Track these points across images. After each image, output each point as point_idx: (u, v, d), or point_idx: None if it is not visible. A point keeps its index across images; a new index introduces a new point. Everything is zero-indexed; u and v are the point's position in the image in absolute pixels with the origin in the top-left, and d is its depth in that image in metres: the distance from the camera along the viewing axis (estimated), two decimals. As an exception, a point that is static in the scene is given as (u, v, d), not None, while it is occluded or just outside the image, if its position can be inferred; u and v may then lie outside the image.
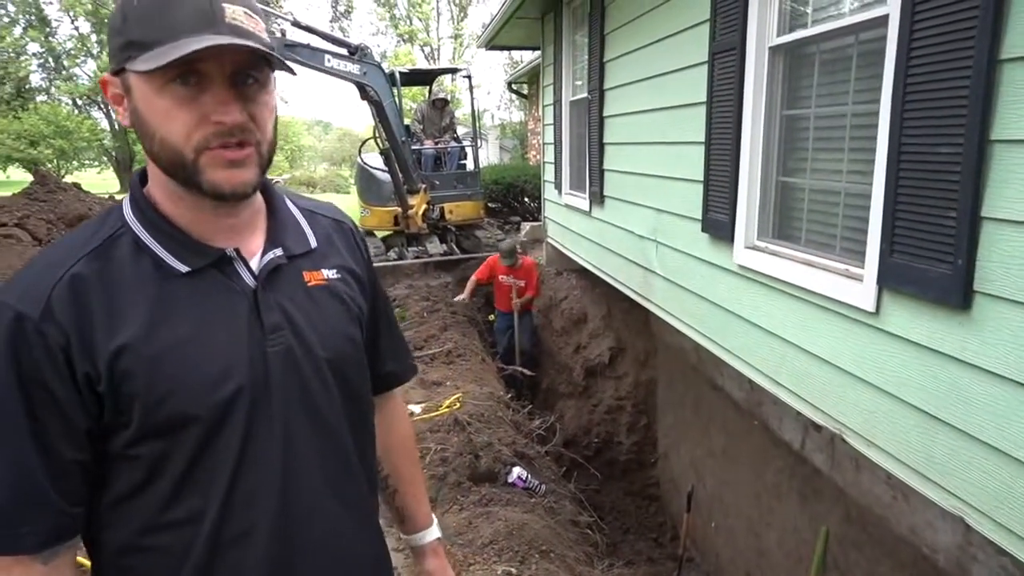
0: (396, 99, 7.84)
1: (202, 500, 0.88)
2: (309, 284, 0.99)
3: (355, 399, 1.03)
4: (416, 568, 1.27)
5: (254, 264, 0.95)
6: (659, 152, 3.89)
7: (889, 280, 2.04)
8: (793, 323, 2.62)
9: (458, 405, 4.25)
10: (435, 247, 8.61)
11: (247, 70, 0.86)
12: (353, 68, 7.09)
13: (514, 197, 11.51)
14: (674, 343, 4.63)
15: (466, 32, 30.53)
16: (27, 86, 25.69)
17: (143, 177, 0.94)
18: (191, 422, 0.86)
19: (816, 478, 2.96)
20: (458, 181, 9.05)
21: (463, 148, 9.63)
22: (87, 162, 25.22)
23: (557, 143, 6.34)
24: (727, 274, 3.11)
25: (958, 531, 2.06)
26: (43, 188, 8.28)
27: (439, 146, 9.30)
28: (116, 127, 25.14)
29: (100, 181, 23.32)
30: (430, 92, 10.21)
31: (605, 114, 4.85)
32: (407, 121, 8.93)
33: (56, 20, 25.33)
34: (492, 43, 8.43)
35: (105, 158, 25.84)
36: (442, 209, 8.72)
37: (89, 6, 23.42)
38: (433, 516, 1.29)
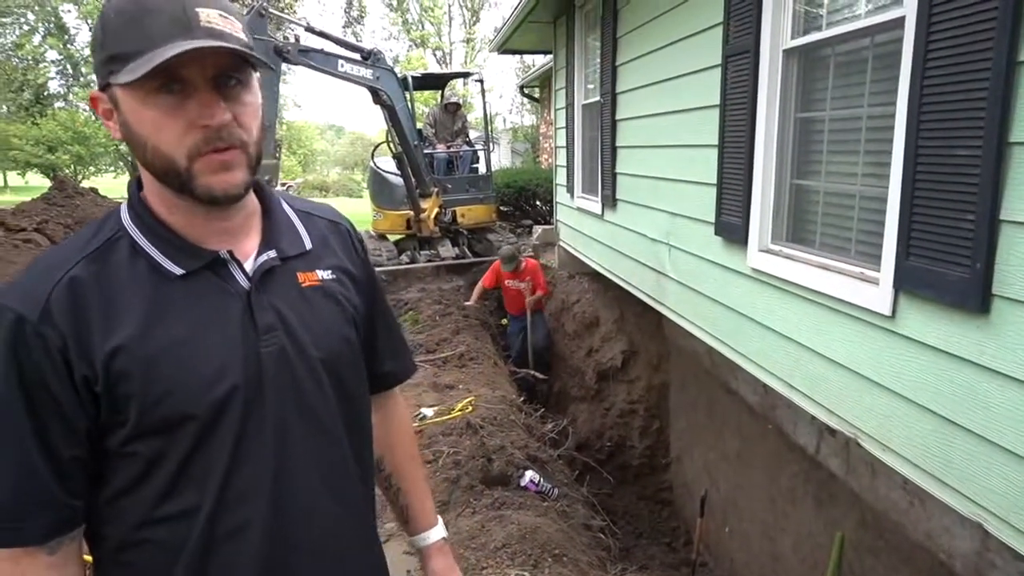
0: (409, 103, 7.88)
1: (197, 496, 0.90)
2: (303, 285, 1.00)
3: (350, 399, 1.04)
4: (422, 569, 1.27)
5: (248, 266, 0.96)
6: (672, 155, 3.88)
7: (906, 284, 2.02)
8: (808, 327, 2.60)
9: (470, 408, 4.26)
10: (447, 250, 8.63)
11: (229, 72, 0.87)
12: (366, 72, 7.14)
13: (526, 201, 11.51)
14: (687, 347, 4.62)
15: (478, 36, 30.65)
16: (45, 93, 26.09)
17: (140, 183, 0.96)
18: (186, 421, 0.88)
19: (831, 483, 2.94)
20: (470, 185, 9.07)
21: (475, 152, 9.65)
22: (104, 167, 25.52)
23: (569, 147, 6.35)
24: (741, 277, 3.10)
25: (976, 537, 2.03)
26: (61, 193, 8.40)
27: (451, 150, 9.32)
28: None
29: (117, 186, 23.59)
30: (442, 96, 10.25)
31: (617, 117, 4.85)
32: (419, 125, 8.96)
33: (74, 28, 25.71)
34: (504, 47, 8.46)
35: (121, 163, 26.15)
36: (454, 213, 8.74)
37: (106, 13, 23.67)
38: (438, 516, 1.30)
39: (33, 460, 0.85)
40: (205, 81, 0.85)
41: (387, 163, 8.62)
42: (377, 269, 8.34)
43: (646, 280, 4.44)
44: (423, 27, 30.93)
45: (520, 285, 6.62)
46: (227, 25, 0.86)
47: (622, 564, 3.62)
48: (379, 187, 8.91)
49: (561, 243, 7.15)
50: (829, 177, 2.61)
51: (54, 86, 27.08)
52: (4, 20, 23.54)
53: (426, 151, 8.62)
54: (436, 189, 8.29)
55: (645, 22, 4.14)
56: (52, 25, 25.31)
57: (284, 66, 6.71)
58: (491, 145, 10.12)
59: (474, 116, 16.91)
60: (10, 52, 25.16)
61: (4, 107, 25.90)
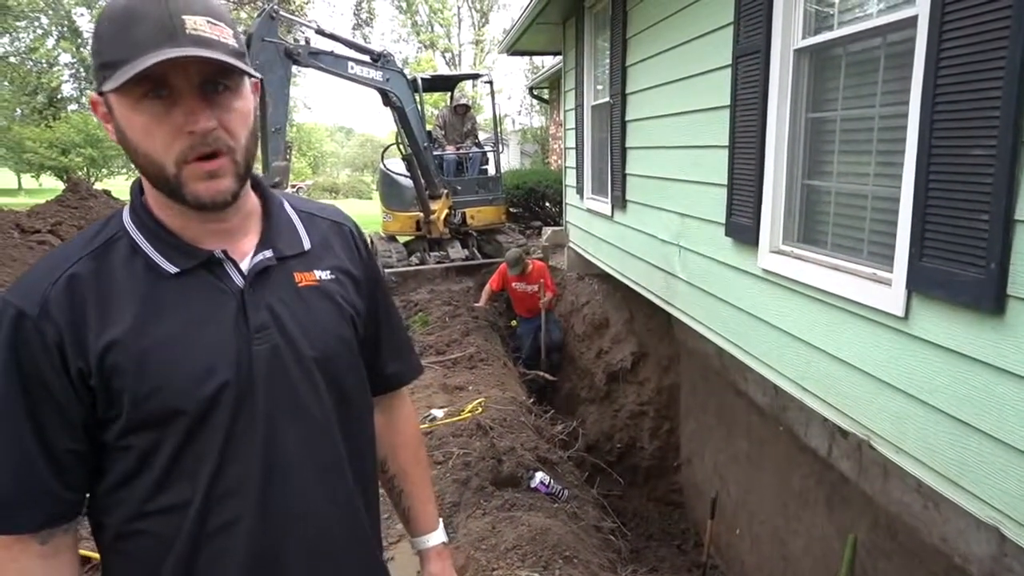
0: (418, 105, 7.90)
1: (188, 491, 0.92)
2: (300, 285, 1.01)
3: (347, 399, 1.05)
4: (421, 570, 1.28)
5: (244, 265, 0.98)
6: (682, 156, 3.87)
7: (919, 284, 2.01)
8: (819, 328, 2.59)
9: (480, 410, 4.26)
10: (457, 252, 8.63)
11: (217, 78, 0.88)
12: (376, 74, 7.16)
13: (535, 202, 11.50)
14: (697, 348, 4.60)
15: (487, 38, 30.69)
16: (59, 96, 26.33)
17: (142, 185, 0.98)
18: (176, 416, 0.90)
19: (843, 485, 2.91)
20: (480, 186, 9.08)
21: (485, 153, 9.65)
22: (116, 169, 25.73)
23: (579, 148, 6.34)
24: (751, 278, 3.08)
25: (992, 541, 2.01)
26: (75, 195, 8.48)
27: (461, 151, 9.34)
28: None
29: (129, 188, 23.76)
30: (452, 98, 10.27)
31: (627, 118, 4.84)
32: (429, 127, 8.98)
33: (87, 31, 25.94)
34: (513, 49, 8.47)
35: (133, 165, 26.33)
36: (464, 214, 8.75)
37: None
38: (439, 520, 1.30)
39: (30, 452, 0.88)
40: (192, 88, 0.86)
41: (397, 165, 8.65)
42: (387, 270, 8.36)
43: (656, 281, 4.43)
44: (432, 29, 31.00)
45: (528, 288, 6.62)
46: (215, 32, 0.86)
47: (632, 566, 3.61)
48: (389, 189, 8.93)
49: (570, 244, 7.14)
50: (841, 177, 2.59)
51: (67, 89, 27.36)
52: (19, 24, 23.80)
53: (436, 153, 8.63)
54: (446, 191, 8.30)
55: (655, 23, 4.14)
56: (65, 28, 25.57)
57: (294, 68, 6.74)
58: (500, 146, 10.13)
59: (483, 118, 16.92)
60: (24, 56, 25.44)
61: (18, 110, 26.18)
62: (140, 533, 0.93)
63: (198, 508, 0.92)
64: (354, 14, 29.22)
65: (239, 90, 0.92)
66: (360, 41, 10.98)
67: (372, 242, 9.07)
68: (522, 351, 6.79)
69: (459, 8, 30.75)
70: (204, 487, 0.92)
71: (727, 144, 3.19)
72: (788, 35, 2.73)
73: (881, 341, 2.24)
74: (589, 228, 6.22)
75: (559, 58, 8.65)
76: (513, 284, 6.68)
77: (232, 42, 0.89)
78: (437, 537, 1.27)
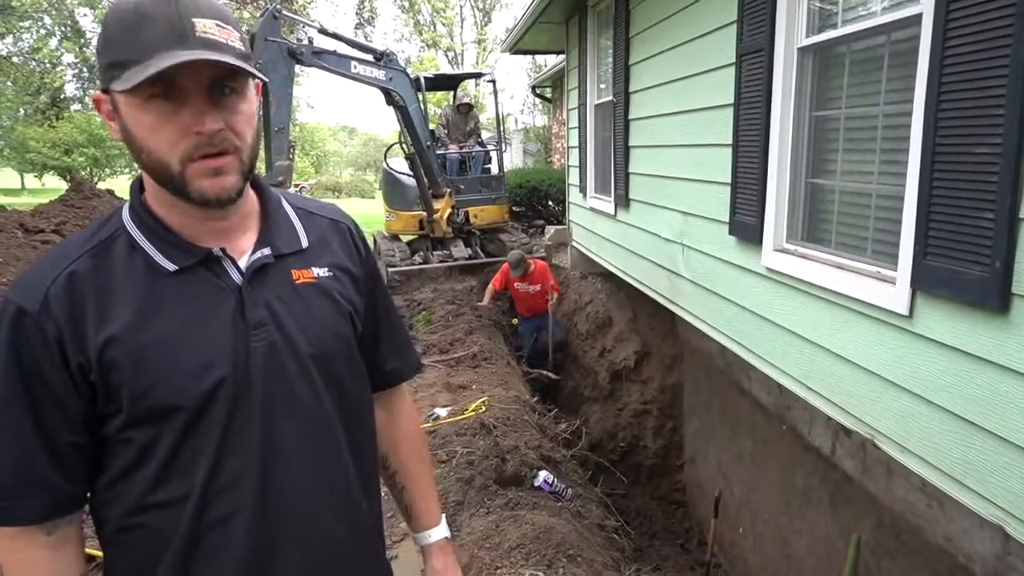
0: (421, 104, 7.90)
1: (186, 485, 0.93)
2: (297, 282, 1.03)
3: (345, 395, 1.06)
4: (424, 566, 1.28)
5: (242, 263, 0.99)
6: (685, 155, 3.87)
7: (923, 283, 2.00)
8: (823, 326, 2.59)
9: (484, 409, 4.26)
10: (460, 251, 8.64)
11: (224, 81, 0.89)
12: (379, 74, 7.17)
13: (538, 201, 11.51)
14: (701, 347, 4.60)
15: (490, 37, 30.67)
16: (62, 96, 26.38)
17: (142, 183, 0.99)
18: (174, 411, 0.92)
19: (847, 484, 2.91)
20: (483, 185, 9.08)
21: (487, 152, 9.66)
22: (119, 169, 25.78)
23: (582, 147, 6.34)
24: (755, 277, 3.08)
25: (996, 540, 2.01)
26: (79, 195, 8.49)
27: (464, 150, 9.34)
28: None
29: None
30: (455, 97, 10.27)
31: (630, 117, 4.84)
32: (432, 126, 8.99)
33: (91, 31, 25.98)
34: (516, 48, 8.46)
35: (136, 165, 26.38)
36: (467, 213, 8.76)
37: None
38: (442, 515, 1.31)
39: (31, 446, 0.90)
40: (200, 89, 0.88)
41: (400, 164, 8.66)
42: (390, 269, 8.35)
43: (659, 280, 4.43)
44: (435, 28, 31.00)
45: (530, 288, 6.63)
46: (223, 35, 0.88)
47: (636, 564, 3.62)
48: (392, 188, 8.94)
49: (574, 243, 7.14)
50: (845, 176, 2.59)
51: (70, 89, 27.41)
52: (23, 24, 23.85)
53: (439, 152, 8.64)
54: (449, 190, 8.31)
55: (657, 21, 4.13)
56: (69, 29, 25.61)
57: (297, 68, 6.75)
58: (503, 145, 10.13)
59: (486, 117, 16.92)
60: (28, 56, 25.49)
61: (22, 110, 26.24)
62: (139, 527, 0.95)
63: (196, 503, 0.93)
64: (356, 13, 29.23)
65: (244, 92, 0.93)
66: (363, 40, 10.99)
67: (375, 241, 9.08)
68: (524, 350, 6.79)
69: (461, 7, 30.76)
70: (202, 482, 0.93)
71: (731, 143, 3.19)
72: (792, 33, 2.72)
73: (885, 340, 2.23)
74: (592, 227, 6.22)
75: (562, 57, 8.64)
76: (515, 284, 6.70)
77: (239, 45, 0.90)
78: (440, 532, 1.28)
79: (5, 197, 20.03)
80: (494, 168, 9.58)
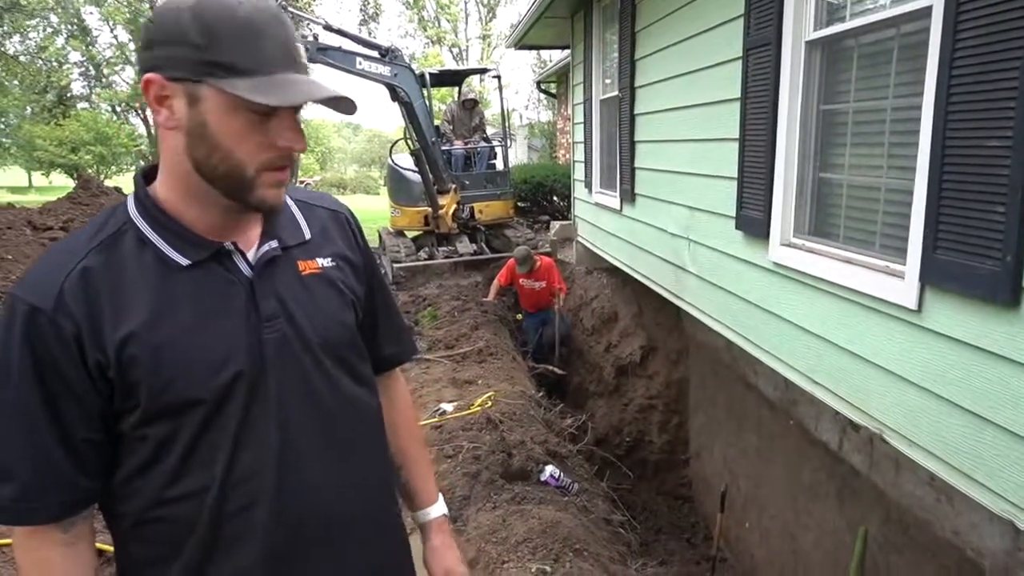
0: (426, 100, 7.90)
1: (205, 477, 0.95)
2: (303, 273, 1.04)
3: (353, 381, 1.08)
4: (422, 543, 1.31)
5: (251, 256, 1.00)
6: (692, 149, 3.85)
7: (932, 277, 1.99)
8: (831, 321, 2.58)
9: (490, 404, 4.27)
10: (465, 247, 8.64)
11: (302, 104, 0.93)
12: (384, 70, 7.16)
13: (543, 196, 11.50)
14: (707, 341, 4.59)
15: (494, 32, 30.60)
16: (68, 94, 26.49)
17: (146, 175, 0.99)
18: (193, 406, 0.93)
19: (854, 479, 2.91)
20: (488, 181, 9.07)
21: (492, 148, 9.65)
22: (125, 167, 25.86)
23: (587, 142, 6.33)
24: (762, 271, 3.07)
25: (1007, 535, 2.00)
26: (86, 192, 8.53)
27: (469, 146, 9.33)
28: (153, 132, 25.73)
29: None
30: (459, 93, 10.26)
31: (636, 112, 4.83)
32: (437, 122, 8.99)
33: (96, 29, 26.08)
34: (521, 43, 8.44)
35: (142, 162, 26.53)
36: (472, 209, 8.75)
37: (128, 15, 24.02)
38: (439, 494, 1.33)
39: (49, 444, 0.90)
40: (290, 110, 0.92)
41: (405, 160, 8.66)
42: (395, 265, 8.36)
43: (665, 275, 4.42)
44: (439, 24, 30.94)
45: (536, 285, 6.63)
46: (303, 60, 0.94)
47: (642, 559, 3.62)
48: (397, 184, 8.94)
49: (579, 238, 7.13)
50: (853, 170, 2.58)
51: (77, 87, 27.52)
52: (30, 23, 23.93)
53: (444, 148, 8.64)
54: (454, 185, 8.31)
55: (663, 16, 4.12)
56: (75, 27, 25.68)
57: (303, 64, 6.75)
58: (508, 141, 10.12)
59: (491, 112, 16.90)
60: (34, 55, 25.58)
61: (28, 108, 26.35)
62: (159, 520, 0.95)
63: (216, 494, 0.95)
64: (361, 9, 29.22)
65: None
66: (367, 37, 10.99)
67: (381, 237, 9.08)
68: (529, 345, 6.80)
69: (466, 3, 30.69)
70: (221, 473, 0.95)
71: (737, 137, 3.18)
72: (799, 27, 2.71)
73: (894, 334, 2.23)
74: (597, 222, 6.21)
75: (567, 52, 8.62)
76: (521, 280, 6.70)
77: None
78: (438, 509, 1.31)
79: (13, 195, 20.12)
80: (499, 164, 9.57)
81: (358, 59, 7.00)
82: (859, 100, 2.52)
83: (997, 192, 1.73)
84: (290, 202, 1.11)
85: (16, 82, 25.08)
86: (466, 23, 31.07)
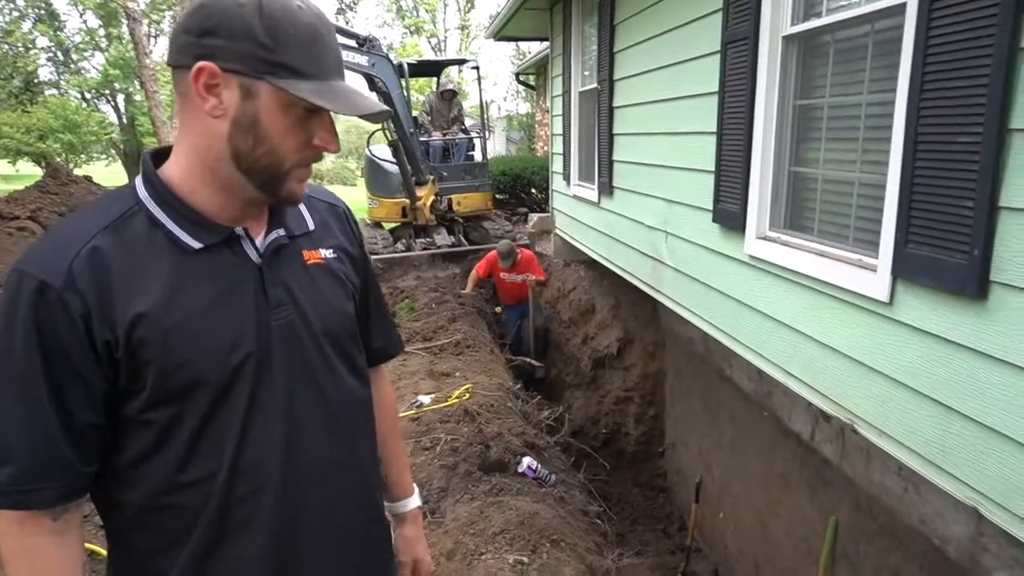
0: (404, 90, 7.83)
1: (214, 462, 0.96)
2: (308, 263, 1.07)
3: (353, 369, 1.12)
4: (394, 532, 1.36)
5: (259, 243, 1.02)
6: (669, 142, 3.87)
7: (904, 270, 2.03)
8: (805, 314, 2.61)
9: (468, 396, 4.27)
10: (443, 238, 8.61)
11: None
12: (362, 59, 7.08)
13: (522, 188, 11.50)
14: (683, 334, 4.63)
15: (473, 23, 30.42)
16: (36, 80, 25.78)
17: (155, 158, 0.99)
18: (201, 388, 0.93)
19: (825, 469, 2.96)
20: (466, 172, 9.04)
21: (471, 139, 9.61)
22: (95, 155, 25.28)
23: (566, 134, 6.33)
24: (738, 264, 3.10)
25: (971, 522, 2.06)
26: (55, 181, 8.34)
27: (447, 137, 9.28)
28: (124, 120, 25.19)
29: (109, 174, 23.39)
30: (438, 83, 10.19)
31: (615, 104, 4.84)
32: (415, 113, 8.91)
33: (65, 14, 25.40)
34: (500, 34, 8.40)
35: (113, 151, 25.94)
36: (450, 200, 8.72)
37: (98, 0, 23.44)
38: (415, 486, 1.39)
39: (51, 427, 0.89)
40: (329, 113, 0.97)
41: (383, 151, 8.58)
42: (373, 257, 8.32)
43: (642, 268, 4.45)
44: (417, 14, 30.67)
45: (517, 278, 6.64)
46: None
47: (618, 549, 3.65)
48: (375, 175, 8.87)
49: (557, 231, 7.14)
50: (828, 164, 2.61)
51: (44, 73, 26.77)
52: (-7, 5, 23.23)
53: (422, 139, 8.57)
54: (432, 177, 8.26)
55: (643, 8, 4.12)
56: (43, 11, 24.97)
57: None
58: (487, 133, 10.08)
59: (470, 104, 16.83)
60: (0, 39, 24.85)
61: (-7, 94, 25.60)
62: (168, 507, 0.96)
63: (225, 478, 0.96)
64: (338, -2, 28.82)
65: None
66: (344, 26, 10.84)
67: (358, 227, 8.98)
68: (507, 338, 6.81)
69: (444, -7, 30.43)
70: (230, 458, 0.96)
71: (715, 131, 3.20)
72: (777, 22, 2.73)
73: (866, 327, 2.26)
74: (576, 215, 6.22)
75: (546, 44, 8.60)
76: (502, 274, 6.70)
77: None
78: (414, 501, 1.38)
79: (-23, 183, 19.58)
80: (477, 155, 9.53)
81: (335, 48, 6.91)
82: (834, 95, 2.55)
83: (966, 187, 1.76)
84: None
85: (-20, 67, 24.35)
86: (444, 13, 30.84)
